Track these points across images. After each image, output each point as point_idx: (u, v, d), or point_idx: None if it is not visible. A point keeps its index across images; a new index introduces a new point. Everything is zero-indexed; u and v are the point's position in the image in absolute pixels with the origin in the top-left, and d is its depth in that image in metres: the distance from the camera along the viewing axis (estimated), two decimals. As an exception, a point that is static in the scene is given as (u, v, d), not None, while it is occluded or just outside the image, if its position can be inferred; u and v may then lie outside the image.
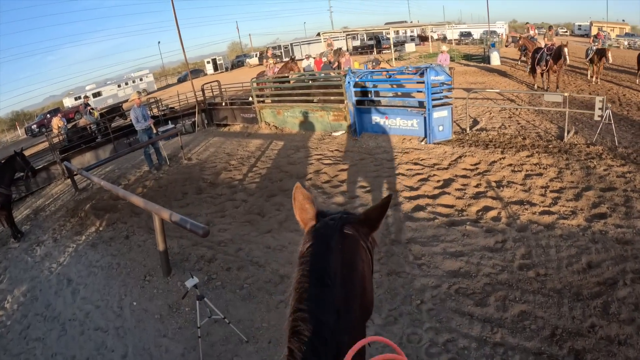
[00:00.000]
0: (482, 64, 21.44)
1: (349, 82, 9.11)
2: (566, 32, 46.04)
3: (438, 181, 6.94)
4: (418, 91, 8.96)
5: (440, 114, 8.38)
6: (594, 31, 45.36)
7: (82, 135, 15.14)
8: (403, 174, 7.30)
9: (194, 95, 13.67)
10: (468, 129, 9.12)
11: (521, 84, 15.64)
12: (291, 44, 41.18)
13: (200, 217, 7.02)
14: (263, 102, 11.72)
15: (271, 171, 8.31)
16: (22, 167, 8.64)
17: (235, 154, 10.01)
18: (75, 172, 9.15)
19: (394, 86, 9.76)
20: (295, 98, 10.90)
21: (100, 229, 7.78)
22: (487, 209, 5.93)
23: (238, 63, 47.73)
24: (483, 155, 7.72)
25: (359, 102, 9.39)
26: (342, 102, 9.78)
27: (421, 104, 8.66)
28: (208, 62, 46.33)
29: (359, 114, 9.41)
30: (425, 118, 8.44)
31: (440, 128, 8.51)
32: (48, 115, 33.18)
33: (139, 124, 10.14)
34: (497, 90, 10.95)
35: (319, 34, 36.13)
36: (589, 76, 15.57)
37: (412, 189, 6.78)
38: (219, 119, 13.69)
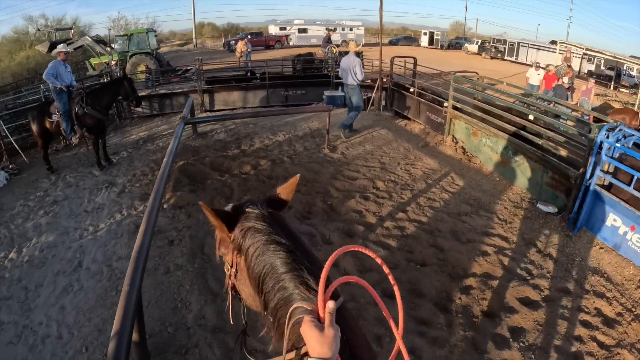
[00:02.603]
0: None
1: (612, 143, 5.12)
2: None
3: None
4: None
5: None
6: None
7: (313, 68, 14.49)
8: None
9: (379, 67, 10.95)
10: None
11: None
12: (519, 43, 36.17)
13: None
14: (459, 109, 8.35)
15: (419, 245, 5.08)
16: (126, 94, 7.95)
17: (393, 170, 7.06)
18: (185, 119, 7.56)
19: None
20: (506, 126, 7.26)
21: (164, 206, 5.91)
22: None
23: (456, 45, 45.31)
24: None
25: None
26: (576, 167, 5.83)
27: None
28: (425, 34, 45.19)
29: (594, 199, 5.41)
30: None
31: None
32: (249, 36, 34.99)
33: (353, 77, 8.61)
34: None
35: (553, 42, 33.09)
36: None
37: None
38: (400, 106, 10.81)
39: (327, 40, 16.93)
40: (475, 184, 6.77)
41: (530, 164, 6.57)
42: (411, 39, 46.63)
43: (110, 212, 6.10)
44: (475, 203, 6.05)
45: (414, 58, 11.66)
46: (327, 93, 11.98)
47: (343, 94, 12.07)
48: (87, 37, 19.35)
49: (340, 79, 13.41)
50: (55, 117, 7.54)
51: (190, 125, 9.05)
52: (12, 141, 9.06)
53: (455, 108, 8.45)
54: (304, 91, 12.98)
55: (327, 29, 19.66)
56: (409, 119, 10.41)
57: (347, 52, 9.05)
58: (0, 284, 5.00)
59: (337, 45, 17.54)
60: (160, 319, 3.79)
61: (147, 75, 16.36)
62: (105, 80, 12.34)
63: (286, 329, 1.02)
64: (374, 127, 9.56)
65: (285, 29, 41.66)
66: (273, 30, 42.08)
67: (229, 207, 1.35)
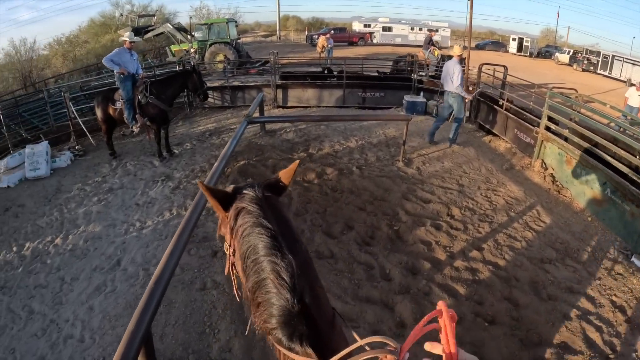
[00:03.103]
0: None
1: None
2: None
3: None
4: None
5: None
6: None
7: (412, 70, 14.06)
8: None
9: (466, 73, 10.12)
10: None
11: None
12: (613, 56, 33.20)
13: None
14: (552, 131, 7.37)
15: (491, 295, 4.30)
16: (194, 87, 7.96)
17: (472, 196, 6.28)
18: (249, 117, 7.31)
19: None
20: (607, 158, 6.21)
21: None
22: None
23: (545, 53, 42.73)
24: None
25: None
26: None
27: None
28: (514, 39, 43.32)
29: None
30: None
31: None
32: (332, 31, 35.10)
33: (455, 83, 7.94)
34: None
35: None
36: None
37: None
38: (485, 119, 9.90)
39: (429, 42, 16.14)
40: (563, 222, 5.81)
41: (630, 208, 5.53)
42: (499, 44, 44.81)
43: (160, 209, 5.99)
44: (561, 248, 5.13)
45: (504, 67, 10.67)
46: (407, 98, 11.34)
47: (424, 100, 11.41)
48: (168, 25, 20.17)
49: (422, 83, 12.86)
50: (118, 105, 7.66)
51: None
52: (80, 122, 9.40)
53: (548, 129, 7.48)
54: (382, 94, 12.45)
55: (428, 29, 18.83)
56: (494, 134, 9.49)
57: (450, 57, 8.42)
58: (40, 270, 5.08)
59: (437, 48, 16.59)
60: (184, 343, 3.47)
61: (225, 65, 16.65)
62: (179, 68, 12.60)
63: (351, 347, 1.01)
64: (455, 140, 8.80)
65: (369, 26, 41.33)
66: (357, 26, 41.84)
67: (230, 188, 1.38)
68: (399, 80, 12.90)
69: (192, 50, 18.90)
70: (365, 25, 41.15)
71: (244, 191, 1.31)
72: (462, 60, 8.34)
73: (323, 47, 20.92)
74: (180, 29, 20.30)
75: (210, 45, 19.92)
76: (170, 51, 20.65)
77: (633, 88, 12.26)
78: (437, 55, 14.81)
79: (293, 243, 1.20)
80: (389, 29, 40.97)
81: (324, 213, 5.43)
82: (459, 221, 5.48)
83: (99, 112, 7.95)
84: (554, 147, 7.36)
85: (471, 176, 7.03)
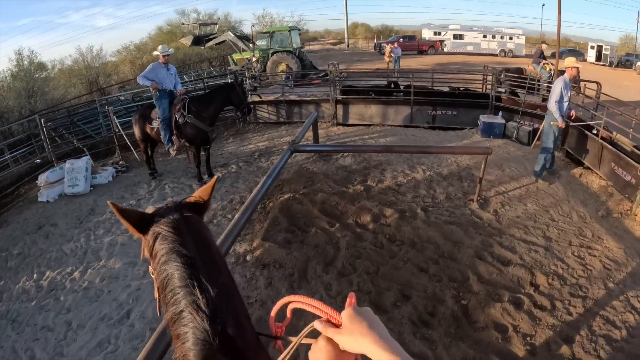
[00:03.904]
0: None
1: None
2: None
3: None
4: None
5: None
6: None
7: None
8: None
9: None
10: None
11: None
12: None
13: None
14: None
15: None
16: (238, 101, 7.34)
17: (562, 255, 5.04)
18: (295, 145, 6.56)
19: None
20: None
21: (247, 257, 5.02)
22: None
23: (626, 62, 38.87)
24: None
25: None
26: None
27: None
28: (592, 47, 39.65)
29: None
30: None
31: None
32: (401, 39, 34.16)
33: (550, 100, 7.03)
34: None
35: None
36: None
37: None
38: (574, 147, 8.47)
39: (540, 56, 14.70)
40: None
41: None
42: (576, 52, 41.00)
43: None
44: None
45: (597, 83, 9.17)
46: (483, 118, 10.12)
47: (503, 121, 10.13)
48: (230, 33, 20.09)
49: (500, 100, 11.54)
50: (155, 124, 7.21)
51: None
52: (125, 136, 9.17)
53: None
54: (455, 112, 11.30)
55: (543, 42, 17.13)
56: (585, 166, 8.05)
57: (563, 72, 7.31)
58: (51, 307, 4.77)
59: (548, 62, 14.93)
60: None
61: (287, 75, 16.21)
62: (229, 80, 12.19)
63: None
64: (541, 174, 7.54)
65: (439, 34, 39.91)
66: (427, 34, 40.55)
67: (150, 209, 1.26)
68: (474, 98, 11.72)
69: (254, 59, 18.68)
70: (435, 33, 39.74)
71: (162, 213, 1.21)
72: (575, 78, 7.24)
73: (390, 57, 20.10)
74: (243, 37, 20.20)
75: (273, 54, 19.64)
76: (233, 60, 20.62)
77: None
78: (550, 70, 13.24)
79: (212, 269, 1.11)
80: (461, 36, 39.19)
81: (376, 274, 4.50)
82: (544, 295, 4.30)
83: (136, 131, 7.56)
84: (661, 192, 5.98)
85: (560, 225, 5.79)
